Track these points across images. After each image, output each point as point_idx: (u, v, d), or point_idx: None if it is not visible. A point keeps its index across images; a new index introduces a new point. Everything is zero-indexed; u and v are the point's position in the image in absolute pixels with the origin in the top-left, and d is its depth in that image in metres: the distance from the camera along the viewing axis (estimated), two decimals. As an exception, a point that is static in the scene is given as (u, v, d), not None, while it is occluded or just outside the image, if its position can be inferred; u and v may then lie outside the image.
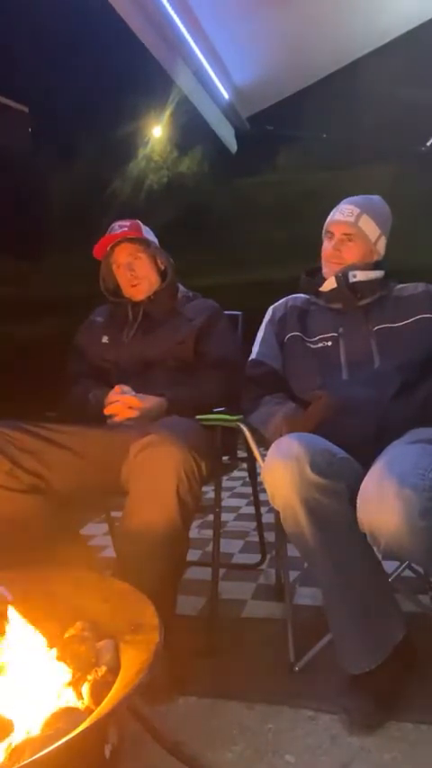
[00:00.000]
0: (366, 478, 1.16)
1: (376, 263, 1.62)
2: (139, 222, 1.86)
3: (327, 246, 1.62)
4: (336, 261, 1.59)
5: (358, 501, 1.16)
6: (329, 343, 1.56)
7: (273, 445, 1.29)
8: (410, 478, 1.08)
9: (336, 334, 1.56)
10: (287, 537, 1.32)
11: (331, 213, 1.64)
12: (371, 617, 1.24)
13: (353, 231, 1.58)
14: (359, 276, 1.56)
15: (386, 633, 1.25)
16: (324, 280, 1.62)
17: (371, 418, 1.39)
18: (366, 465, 1.25)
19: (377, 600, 1.26)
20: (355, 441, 1.33)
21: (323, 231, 1.65)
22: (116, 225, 1.83)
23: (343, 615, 1.25)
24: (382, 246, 1.63)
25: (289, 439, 1.27)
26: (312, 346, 1.58)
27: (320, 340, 1.57)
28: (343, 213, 1.59)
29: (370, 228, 1.59)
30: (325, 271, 1.63)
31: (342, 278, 1.55)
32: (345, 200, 1.63)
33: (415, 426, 1.38)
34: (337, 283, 1.56)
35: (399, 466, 1.14)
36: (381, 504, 1.08)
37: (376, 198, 1.66)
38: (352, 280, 1.55)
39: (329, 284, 1.59)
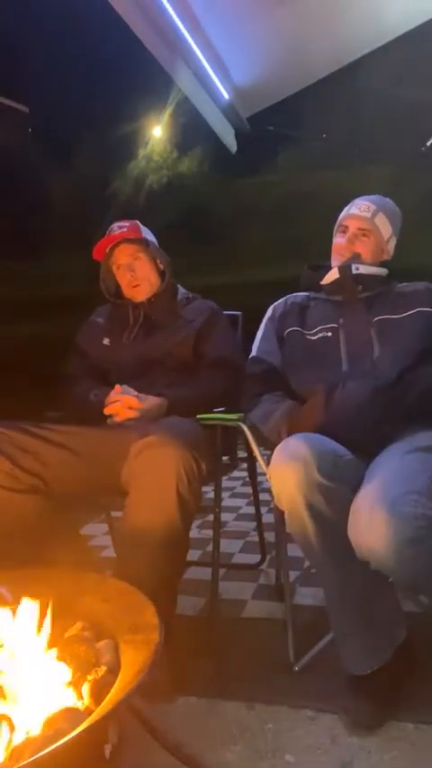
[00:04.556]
0: (359, 497, 1.14)
1: (382, 262, 1.63)
2: (138, 222, 1.86)
3: (340, 240, 1.62)
4: (347, 254, 1.59)
5: (350, 520, 1.14)
6: (329, 334, 1.55)
7: (280, 445, 1.28)
8: (401, 506, 1.06)
9: (336, 325, 1.56)
10: (290, 538, 1.31)
11: (346, 209, 1.64)
12: (373, 619, 1.24)
13: (368, 227, 1.58)
14: (362, 269, 1.56)
15: (388, 635, 1.25)
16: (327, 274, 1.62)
17: (371, 412, 1.37)
18: (368, 457, 1.26)
19: (379, 602, 1.25)
20: (355, 435, 1.33)
21: (336, 226, 1.65)
22: (115, 226, 1.83)
23: (345, 617, 1.24)
24: (392, 247, 1.64)
25: (296, 440, 1.26)
26: (312, 338, 1.57)
27: (320, 331, 1.56)
28: (360, 208, 1.60)
29: (384, 227, 1.60)
30: (334, 264, 1.62)
31: (345, 268, 1.56)
32: (360, 198, 1.63)
33: (413, 418, 1.37)
34: (340, 273, 1.57)
35: (391, 489, 1.11)
36: (370, 528, 1.07)
37: (388, 200, 1.67)
38: (355, 271, 1.56)
39: (332, 275, 1.59)
